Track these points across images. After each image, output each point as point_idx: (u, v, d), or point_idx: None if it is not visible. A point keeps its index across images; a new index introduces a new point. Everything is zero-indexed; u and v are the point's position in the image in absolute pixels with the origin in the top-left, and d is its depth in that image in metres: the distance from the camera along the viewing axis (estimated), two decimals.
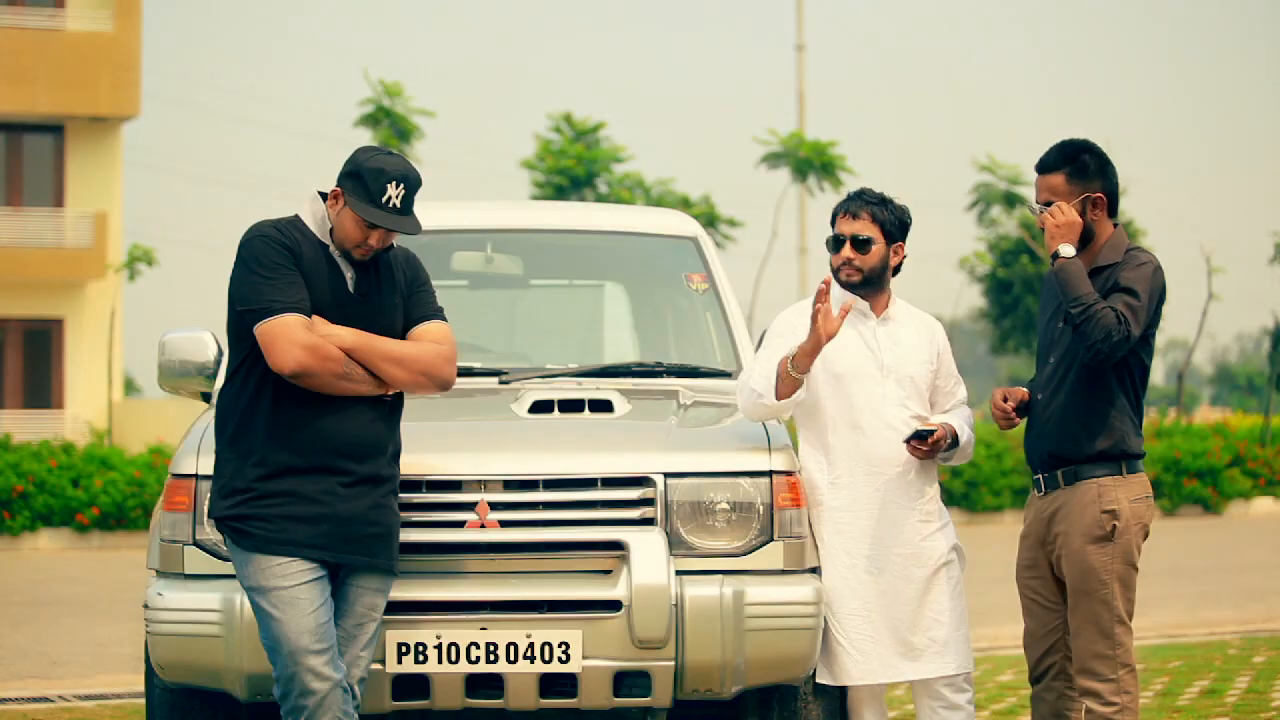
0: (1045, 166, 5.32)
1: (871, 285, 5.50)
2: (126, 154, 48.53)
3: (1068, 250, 5.21)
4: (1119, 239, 5.31)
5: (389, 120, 33.33)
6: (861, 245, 5.46)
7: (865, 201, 5.49)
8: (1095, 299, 5.13)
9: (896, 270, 5.57)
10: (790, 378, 5.24)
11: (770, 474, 5.20)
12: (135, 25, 32.12)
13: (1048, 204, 5.29)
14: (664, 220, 6.98)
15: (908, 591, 5.37)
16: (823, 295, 5.17)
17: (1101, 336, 5.09)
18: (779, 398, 5.27)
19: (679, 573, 5.06)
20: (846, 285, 5.49)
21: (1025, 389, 5.46)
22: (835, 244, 5.50)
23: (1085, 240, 5.29)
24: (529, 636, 4.98)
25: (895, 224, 5.50)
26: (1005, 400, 5.42)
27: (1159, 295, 5.24)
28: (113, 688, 9.05)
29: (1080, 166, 5.27)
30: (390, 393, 4.89)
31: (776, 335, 5.51)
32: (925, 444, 5.34)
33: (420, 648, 4.99)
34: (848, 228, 5.48)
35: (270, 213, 5.44)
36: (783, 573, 5.17)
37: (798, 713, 5.35)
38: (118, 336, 31.06)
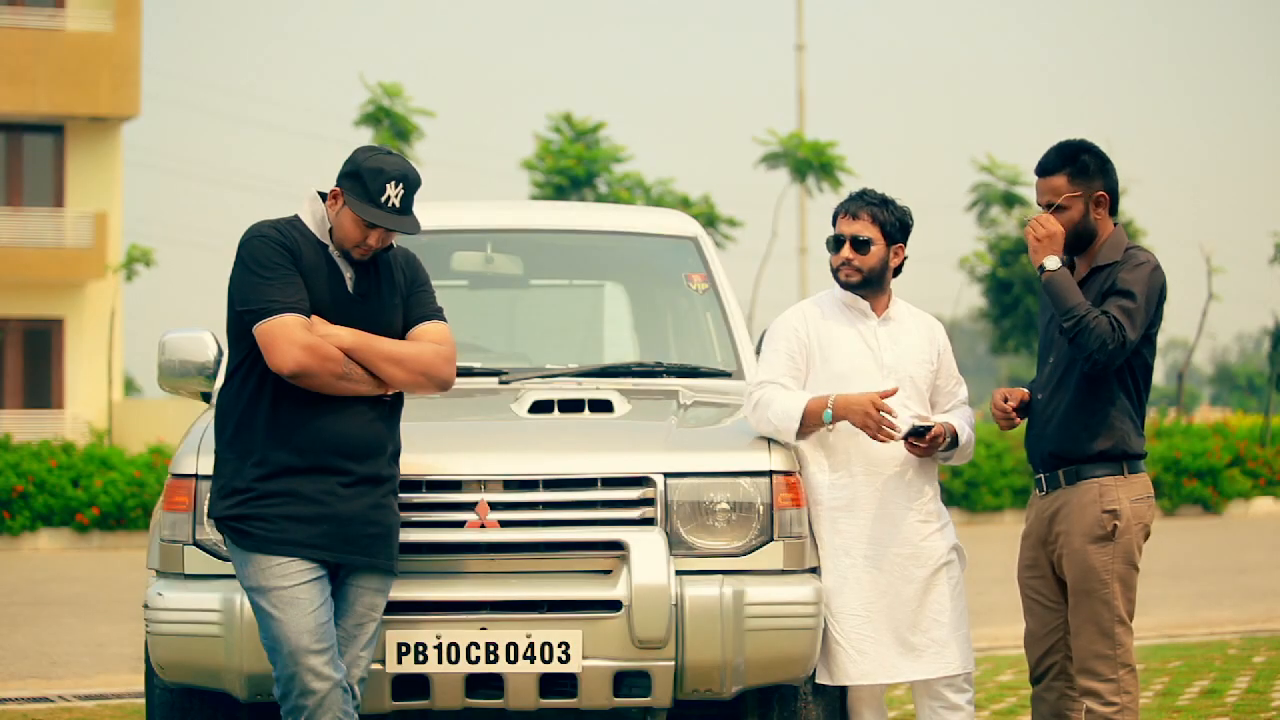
0: (1045, 169, 5.31)
1: (871, 286, 5.50)
2: (126, 154, 48.53)
3: (1053, 263, 5.22)
4: (1118, 238, 5.31)
5: (389, 120, 33.31)
6: (861, 246, 5.46)
7: (866, 202, 5.49)
8: (1086, 309, 5.13)
9: (897, 271, 5.57)
10: (819, 425, 5.28)
11: (770, 474, 5.20)
12: (135, 25, 32.12)
13: (1050, 205, 5.28)
14: (664, 220, 6.98)
15: (907, 591, 5.37)
16: (887, 401, 5.23)
17: (1097, 346, 5.09)
18: (799, 438, 5.30)
19: (679, 573, 5.06)
20: (846, 285, 5.49)
21: (1026, 389, 5.46)
22: (835, 244, 5.50)
23: (1088, 240, 5.29)
24: (529, 636, 4.98)
25: (896, 225, 5.50)
26: (1006, 400, 5.42)
27: (1158, 295, 5.23)
28: (113, 688, 9.06)
29: (1081, 167, 5.27)
30: (390, 393, 4.89)
31: (780, 339, 5.50)
32: (923, 441, 5.34)
33: (420, 648, 4.99)
34: (847, 228, 5.48)
35: (270, 213, 5.45)
36: (782, 573, 5.17)
37: (798, 713, 5.34)
38: (118, 336, 31.07)
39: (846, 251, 5.47)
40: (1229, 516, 25.31)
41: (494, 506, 5.08)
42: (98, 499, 20.27)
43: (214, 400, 5.63)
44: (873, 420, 5.21)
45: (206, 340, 6.08)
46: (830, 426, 5.28)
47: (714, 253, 6.76)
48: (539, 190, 34.06)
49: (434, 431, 5.37)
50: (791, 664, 5.14)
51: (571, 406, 5.62)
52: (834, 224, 5.53)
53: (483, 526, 5.06)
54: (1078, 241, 5.29)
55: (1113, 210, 5.32)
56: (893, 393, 5.27)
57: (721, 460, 5.23)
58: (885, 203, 5.51)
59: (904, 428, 5.30)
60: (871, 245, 5.46)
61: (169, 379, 6.11)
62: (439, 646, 4.98)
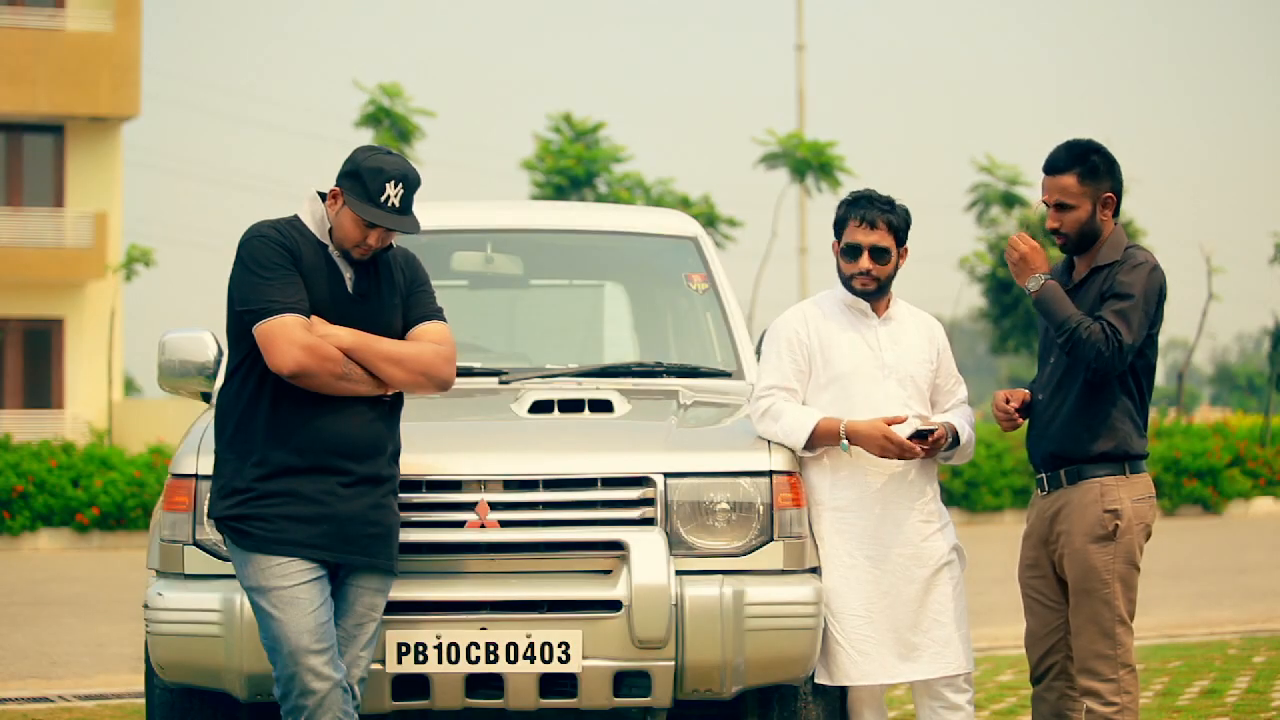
0: (1055, 168, 5.30)
1: (883, 292, 5.49)
2: (126, 154, 48.52)
3: (1036, 282, 5.24)
4: (1118, 238, 5.31)
5: (389, 120, 33.31)
6: (880, 255, 5.43)
7: (880, 209, 5.43)
8: (1078, 320, 5.13)
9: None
10: (829, 444, 5.30)
11: (770, 474, 5.20)
12: (135, 25, 32.12)
13: (1057, 205, 5.28)
14: (664, 220, 6.98)
15: (909, 592, 5.36)
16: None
17: (1093, 355, 5.10)
18: (809, 450, 5.30)
19: (679, 573, 5.06)
20: (860, 293, 5.47)
21: (1027, 390, 5.46)
22: (852, 253, 5.46)
23: (1091, 240, 5.29)
24: (529, 636, 4.98)
25: (904, 228, 5.49)
26: (1007, 401, 5.41)
27: (1157, 295, 5.23)
28: (113, 688, 9.05)
29: (1090, 167, 5.27)
30: (389, 393, 4.89)
31: (782, 341, 5.48)
32: (925, 443, 5.34)
33: (420, 648, 4.99)
34: (865, 238, 5.42)
35: (270, 213, 5.45)
36: (783, 573, 5.16)
37: (798, 713, 5.34)
38: (118, 336, 31.06)
39: (866, 262, 5.43)
40: (1229, 516, 25.30)
41: (494, 506, 5.08)
42: (98, 499, 20.27)
43: (214, 400, 5.63)
44: (892, 452, 5.25)
45: (206, 340, 6.07)
46: (849, 454, 5.31)
47: (714, 253, 6.76)
48: (539, 190, 34.07)
49: (434, 431, 5.36)
50: (791, 664, 5.14)
51: (571, 406, 5.62)
52: (841, 228, 5.46)
53: (483, 526, 5.06)
54: (1082, 241, 5.29)
55: (1115, 211, 5.33)
56: (901, 420, 5.28)
57: (721, 460, 5.23)
58: (894, 207, 5.48)
59: (907, 432, 5.31)
60: (889, 254, 5.44)
61: (169, 379, 6.11)
62: (439, 646, 4.98)
